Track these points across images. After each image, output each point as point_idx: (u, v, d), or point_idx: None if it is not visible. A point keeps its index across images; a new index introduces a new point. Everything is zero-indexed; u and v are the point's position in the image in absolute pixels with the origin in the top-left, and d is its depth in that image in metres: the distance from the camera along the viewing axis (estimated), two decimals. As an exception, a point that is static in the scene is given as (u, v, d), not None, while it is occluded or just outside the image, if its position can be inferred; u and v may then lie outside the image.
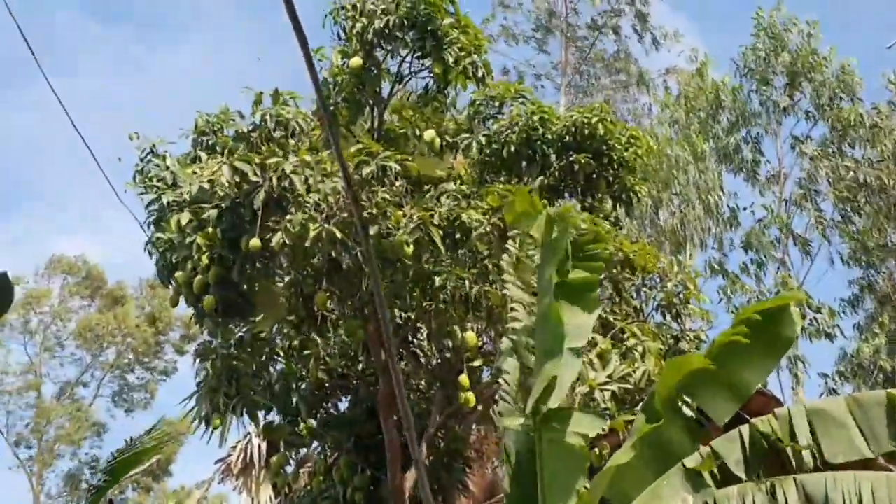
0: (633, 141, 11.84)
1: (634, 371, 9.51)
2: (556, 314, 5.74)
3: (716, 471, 5.52)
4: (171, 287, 10.50)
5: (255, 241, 9.40)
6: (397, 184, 9.91)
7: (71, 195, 54.95)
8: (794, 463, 5.37)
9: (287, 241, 9.28)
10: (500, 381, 6.18)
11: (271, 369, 11.23)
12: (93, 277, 36.53)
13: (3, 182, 53.72)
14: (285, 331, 11.25)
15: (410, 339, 11.75)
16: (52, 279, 36.70)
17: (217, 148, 11.08)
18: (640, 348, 9.81)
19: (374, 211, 9.59)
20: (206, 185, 9.62)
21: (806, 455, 5.32)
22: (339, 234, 9.36)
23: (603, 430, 8.79)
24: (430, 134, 11.02)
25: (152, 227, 10.68)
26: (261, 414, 10.97)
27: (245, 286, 9.99)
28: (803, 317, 21.76)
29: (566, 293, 5.95)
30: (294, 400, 11.22)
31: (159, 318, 35.67)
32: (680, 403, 5.71)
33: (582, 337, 5.98)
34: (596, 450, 8.70)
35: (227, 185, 9.54)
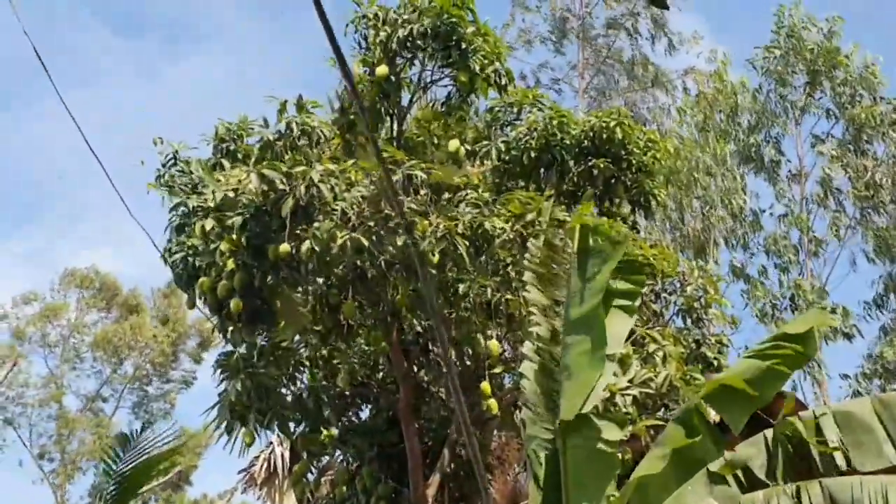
0: (651, 145, 11.81)
1: (656, 376, 9.48)
2: (599, 321, 5.76)
3: (741, 476, 5.49)
4: (190, 292, 10.52)
5: (284, 247, 9.43)
6: (421, 192, 9.92)
7: (88, 207, 55.40)
8: (819, 466, 5.33)
9: (316, 248, 9.32)
10: (522, 386, 6.16)
11: (298, 381, 11.27)
12: (107, 287, 36.70)
13: (21, 194, 54.16)
14: (309, 340, 11.24)
15: (431, 347, 11.76)
16: (67, 293, 36.91)
17: (238, 155, 11.15)
18: (660, 353, 9.78)
19: (401, 220, 9.59)
20: (232, 193, 9.66)
21: (835, 457, 5.28)
22: (366, 243, 9.39)
23: (625, 435, 8.81)
24: (454, 144, 11.00)
25: (173, 231, 10.73)
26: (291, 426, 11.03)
27: (268, 294, 10.02)
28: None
29: (611, 300, 5.98)
30: (326, 412, 11.23)
31: (174, 328, 35.80)
32: (705, 412, 5.71)
33: (617, 345, 6.01)
34: (619, 455, 8.65)
35: (254, 192, 9.58)
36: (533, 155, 11.38)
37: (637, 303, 6.27)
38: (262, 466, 15.73)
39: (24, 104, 54.10)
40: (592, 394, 5.74)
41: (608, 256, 5.91)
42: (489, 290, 9.89)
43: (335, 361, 11.36)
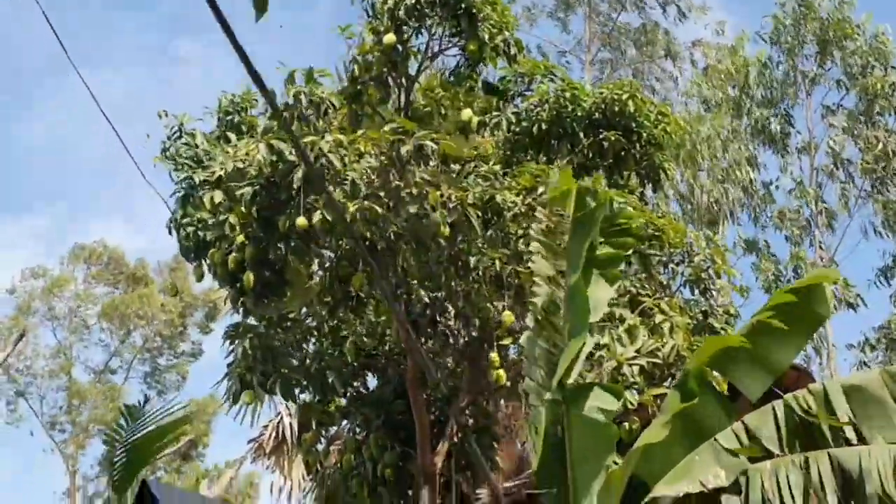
0: (661, 118, 11.74)
1: (663, 346, 9.49)
2: (582, 290, 5.77)
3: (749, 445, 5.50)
4: (198, 264, 10.52)
5: (301, 220, 9.32)
6: (431, 163, 9.86)
7: (97, 187, 55.44)
8: (828, 438, 5.34)
9: (328, 218, 9.29)
10: (524, 357, 6.20)
11: (304, 348, 11.30)
12: (114, 261, 36.74)
13: (29, 178, 54.09)
14: (318, 311, 11.25)
15: (438, 318, 11.77)
16: (75, 269, 36.94)
17: (243, 128, 11.10)
18: (667, 324, 9.78)
19: (413, 191, 9.53)
20: (241, 164, 9.61)
21: (846, 430, 5.29)
22: (380, 211, 9.36)
23: (632, 404, 8.86)
24: (467, 113, 10.91)
25: (179, 203, 10.70)
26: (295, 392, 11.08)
27: (279, 265, 10.01)
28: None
29: (593, 268, 5.98)
30: (331, 380, 11.28)
31: (181, 298, 35.89)
32: (712, 379, 5.72)
33: (600, 311, 6.02)
34: (626, 424, 8.70)
35: (262, 163, 9.53)
36: (543, 126, 11.31)
37: (620, 268, 6.28)
38: (270, 436, 15.85)
39: (24, 97, 54.03)
40: (576, 363, 5.78)
41: (592, 223, 5.93)
42: (498, 263, 9.87)
43: (342, 333, 11.38)
